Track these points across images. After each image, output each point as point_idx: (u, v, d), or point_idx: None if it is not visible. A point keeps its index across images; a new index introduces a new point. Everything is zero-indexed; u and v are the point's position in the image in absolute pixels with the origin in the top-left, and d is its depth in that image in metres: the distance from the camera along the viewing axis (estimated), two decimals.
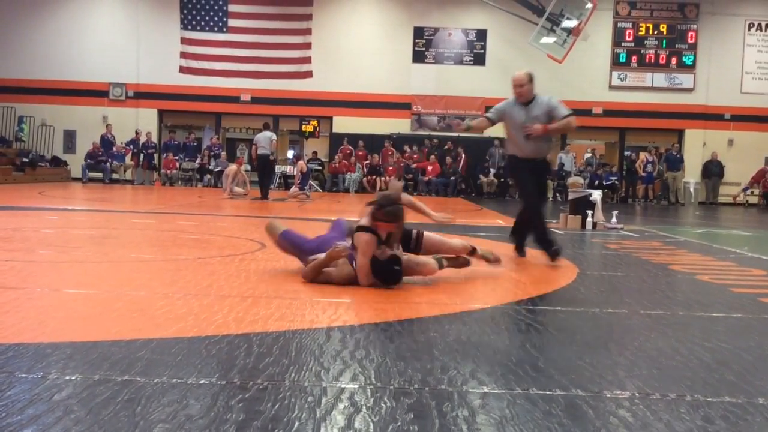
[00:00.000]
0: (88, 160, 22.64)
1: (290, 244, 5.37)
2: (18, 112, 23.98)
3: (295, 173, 19.59)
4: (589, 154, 24.29)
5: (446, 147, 23.24)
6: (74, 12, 24.01)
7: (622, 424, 2.44)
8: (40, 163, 22.76)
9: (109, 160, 22.78)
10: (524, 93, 6.49)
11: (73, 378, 2.68)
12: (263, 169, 16.94)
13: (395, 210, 4.86)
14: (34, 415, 2.29)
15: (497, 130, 24.01)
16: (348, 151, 23.49)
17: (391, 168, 23.15)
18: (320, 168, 23.83)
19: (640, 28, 24.34)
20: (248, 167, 20.09)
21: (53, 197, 14.61)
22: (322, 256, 4.88)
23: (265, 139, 16.70)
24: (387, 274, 4.72)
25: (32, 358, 2.94)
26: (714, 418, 2.51)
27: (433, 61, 24.39)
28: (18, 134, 24.01)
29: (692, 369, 3.15)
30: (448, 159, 22.90)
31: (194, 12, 24.13)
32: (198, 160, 23.56)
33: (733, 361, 3.32)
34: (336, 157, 23.47)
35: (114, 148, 23.00)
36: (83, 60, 23.84)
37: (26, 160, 22.28)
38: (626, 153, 25.11)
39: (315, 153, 24.14)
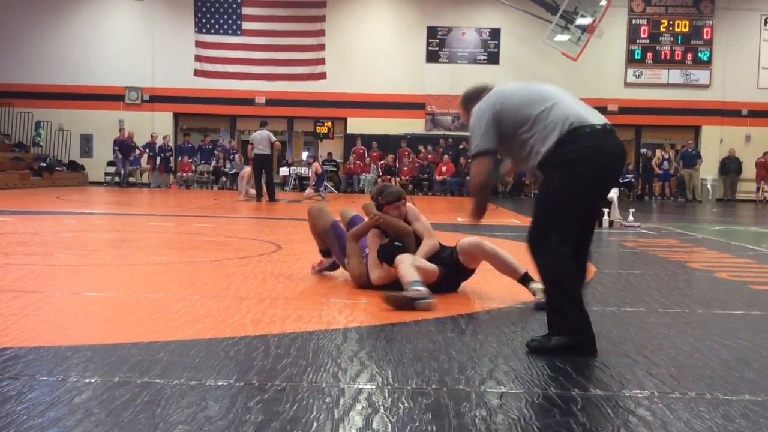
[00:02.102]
0: (118, 156, 22.68)
1: (337, 237, 5.21)
2: (35, 117, 24.17)
3: (309, 175, 19.62)
4: None
5: (462, 147, 23.19)
6: (90, 17, 24.18)
7: (642, 423, 2.42)
8: (57, 168, 22.93)
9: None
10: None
11: (93, 380, 2.70)
12: (261, 169, 16.27)
13: (393, 190, 4.87)
14: (54, 418, 2.31)
15: None
16: (361, 152, 23.49)
17: (406, 168, 23.14)
18: (335, 169, 23.86)
19: (655, 25, 24.19)
20: None
21: (71, 201, 14.72)
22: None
23: (262, 138, 15.97)
24: (389, 254, 4.60)
25: (52, 361, 2.96)
26: (734, 416, 2.49)
27: (447, 60, 24.36)
28: (35, 139, 24.20)
29: (711, 367, 3.13)
30: (462, 159, 22.86)
31: (208, 15, 24.23)
32: (213, 163, 23.65)
33: (753, 359, 3.29)
34: (350, 158, 23.49)
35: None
36: (99, 64, 24.00)
37: (44, 164, 22.46)
38: (642, 150, 24.96)
39: (330, 154, 24.18)
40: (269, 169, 16.58)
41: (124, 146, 22.89)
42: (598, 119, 3.44)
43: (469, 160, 3.75)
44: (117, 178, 22.94)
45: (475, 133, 3.54)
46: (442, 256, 4.75)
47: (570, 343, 3.26)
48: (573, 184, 3.36)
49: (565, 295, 3.32)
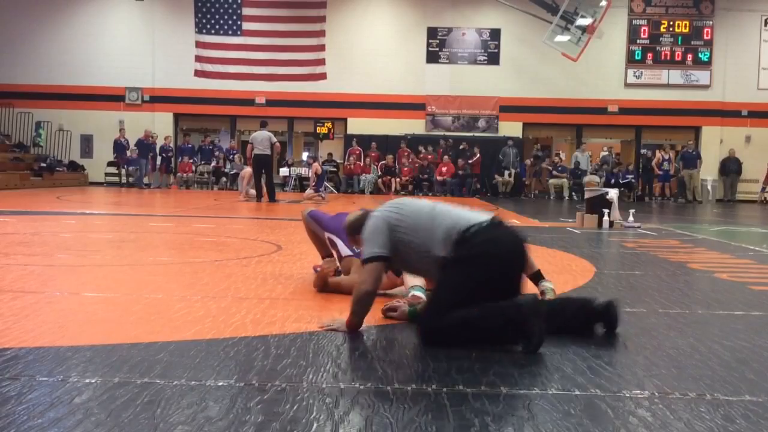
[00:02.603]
0: (129, 165, 22.79)
1: (314, 219, 5.29)
2: (35, 118, 24.18)
3: (310, 175, 19.63)
4: (606, 152, 24.18)
5: (462, 147, 23.16)
6: (90, 17, 24.19)
7: (642, 423, 2.42)
8: (57, 168, 22.94)
9: (126, 165, 22.95)
10: None
11: (93, 381, 2.70)
12: (261, 170, 16.26)
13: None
14: (54, 418, 2.31)
15: (511, 130, 24.17)
16: (357, 152, 23.49)
17: (406, 169, 23.15)
18: (335, 170, 23.88)
19: (655, 25, 24.19)
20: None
21: (71, 201, 14.72)
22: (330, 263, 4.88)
23: (263, 138, 15.93)
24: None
25: (52, 362, 2.96)
26: (734, 417, 2.49)
27: (447, 61, 24.36)
28: (35, 139, 24.21)
29: (712, 368, 3.13)
30: (460, 161, 22.84)
31: (209, 16, 24.24)
32: (213, 163, 23.66)
33: (753, 360, 3.29)
34: (350, 158, 23.48)
35: (128, 153, 23.11)
36: (99, 65, 24.01)
37: (44, 164, 22.48)
38: (642, 151, 24.96)
39: (330, 155, 24.20)
40: (269, 170, 16.56)
41: (143, 146, 22.85)
42: (485, 216, 3.54)
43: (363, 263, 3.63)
44: (131, 179, 22.86)
45: (369, 242, 3.55)
46: None
47: (536, 336, 3.24)
48: (471, 278, 3.37)
49: (489, 321, 3.30)
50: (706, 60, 24.12)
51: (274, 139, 16.36)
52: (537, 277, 4.42)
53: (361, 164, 23.38)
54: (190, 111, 24.78)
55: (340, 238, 4.93)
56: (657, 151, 23.87)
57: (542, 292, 4.32)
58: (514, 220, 12.33)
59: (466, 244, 3.41)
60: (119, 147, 23.12)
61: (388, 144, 23.67)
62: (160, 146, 23.32)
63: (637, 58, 24.21)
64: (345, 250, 4.86)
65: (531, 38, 23.07)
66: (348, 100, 24.03)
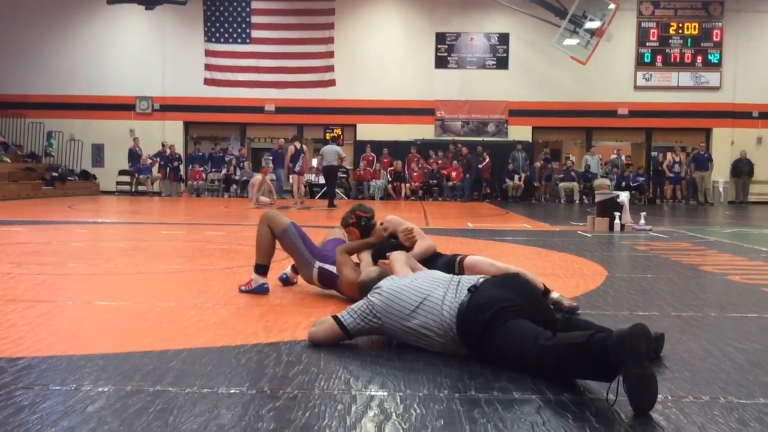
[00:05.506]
0: (138, 173, 23.03)
1: (300, 236, 4.95)
2: (47, 128, 24.32)
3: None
4: (614, 155, 24.11)
5: (467, 153, 23.04)
6: (100, 27, 24.32)
7: (656, 427, 2.41)
8: (69, 177, 23.06)
9: (137, 173, 23.06)
10: None
11: (105, 389, 2.71)
12: (331, 179, 18.22)
13: (364, 208, 5.02)
14: (68, 427, 2.32)
15: (521, 134, 24.11)
16: (370, 158, 23.50)
17: (416, 174, 23.15)
18: (345, 175, 23.89)
19: (665, 28, 24.12)
20: (273, 176, 20.16)
21: (83, 210, 14.79)
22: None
23: (332, 152, 17.83)
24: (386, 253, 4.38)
25: (65, 371, 2.98)
26: (749, 420, 2.48)
27: (456, 66, 24.36)
28: (47, 149, 24.36)
29: (725, 371, 3.11)
30: (456, 163, 22.67)
31: (218, 24, 24.34)
32: (224, 171, 23.72)
33: (767, 362, 3.27)
34: (361, 164, 23.50)
35: (140, 161, 23.22)
36: (110, 74, 24.15)
37: (55, 174, 22.60)
38: (653, 153, 24.87)
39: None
40: (333, 180, 18.33)
41: (134, 155, 23.08)
42: (474, 279, 3.38)
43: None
44: (140, 187, 22.97)
45: (353, 309, 3.47)
46: (438, 263, 4.51)
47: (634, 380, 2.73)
48: (508, 328, 3.09)
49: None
50: (716, 62, 24.02)
51: (343, 154, 18.59)
52: (545, 294, 4.35)
53: (371, 170, 23.39)
54: (200, 119, 24.88)
55: (326, 262, 4.80)
56: (668, 154, 23.77)
57: (555, 303, 4.31)
58: (525, 224, 12.30)
59: (478, 309, 3.16)
60: (134, 156, 23.22)
61: (397, 149, 23.67)
62: (168, 154, 23.38)
63: (646, 60, 24.13)
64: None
65: (540, 42, 23.04)
66: (357, 106, 24.06)
